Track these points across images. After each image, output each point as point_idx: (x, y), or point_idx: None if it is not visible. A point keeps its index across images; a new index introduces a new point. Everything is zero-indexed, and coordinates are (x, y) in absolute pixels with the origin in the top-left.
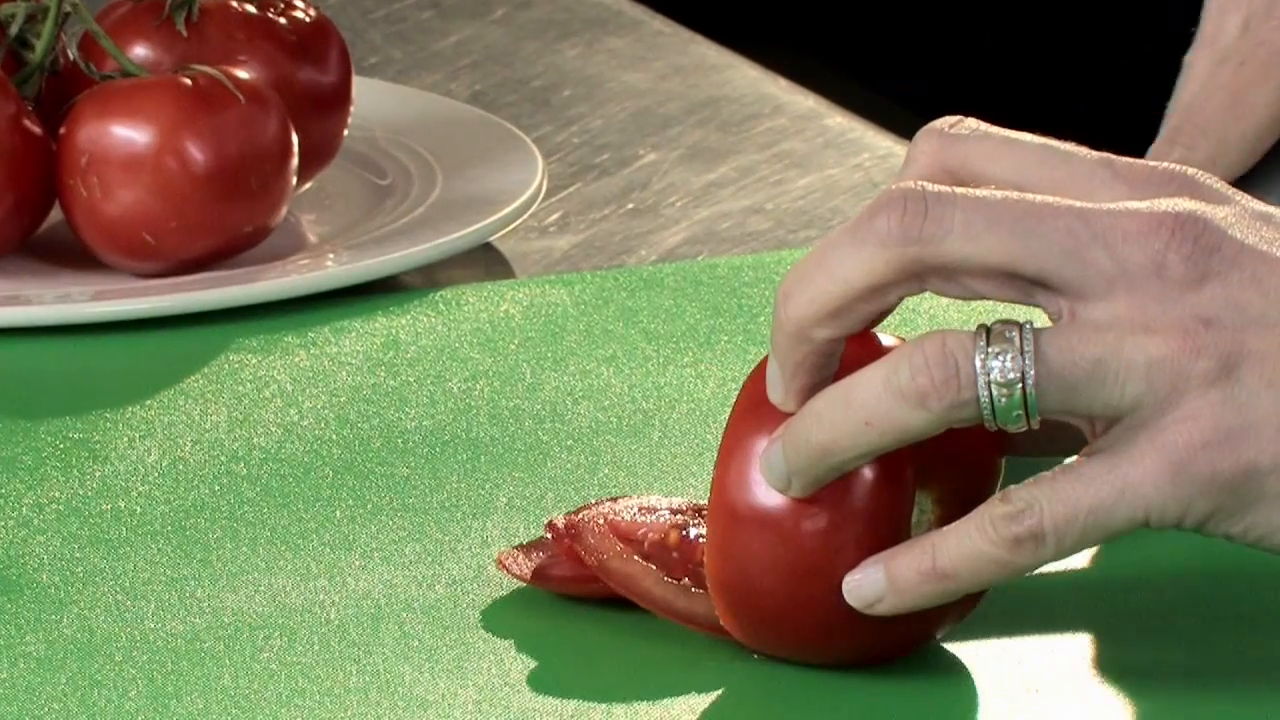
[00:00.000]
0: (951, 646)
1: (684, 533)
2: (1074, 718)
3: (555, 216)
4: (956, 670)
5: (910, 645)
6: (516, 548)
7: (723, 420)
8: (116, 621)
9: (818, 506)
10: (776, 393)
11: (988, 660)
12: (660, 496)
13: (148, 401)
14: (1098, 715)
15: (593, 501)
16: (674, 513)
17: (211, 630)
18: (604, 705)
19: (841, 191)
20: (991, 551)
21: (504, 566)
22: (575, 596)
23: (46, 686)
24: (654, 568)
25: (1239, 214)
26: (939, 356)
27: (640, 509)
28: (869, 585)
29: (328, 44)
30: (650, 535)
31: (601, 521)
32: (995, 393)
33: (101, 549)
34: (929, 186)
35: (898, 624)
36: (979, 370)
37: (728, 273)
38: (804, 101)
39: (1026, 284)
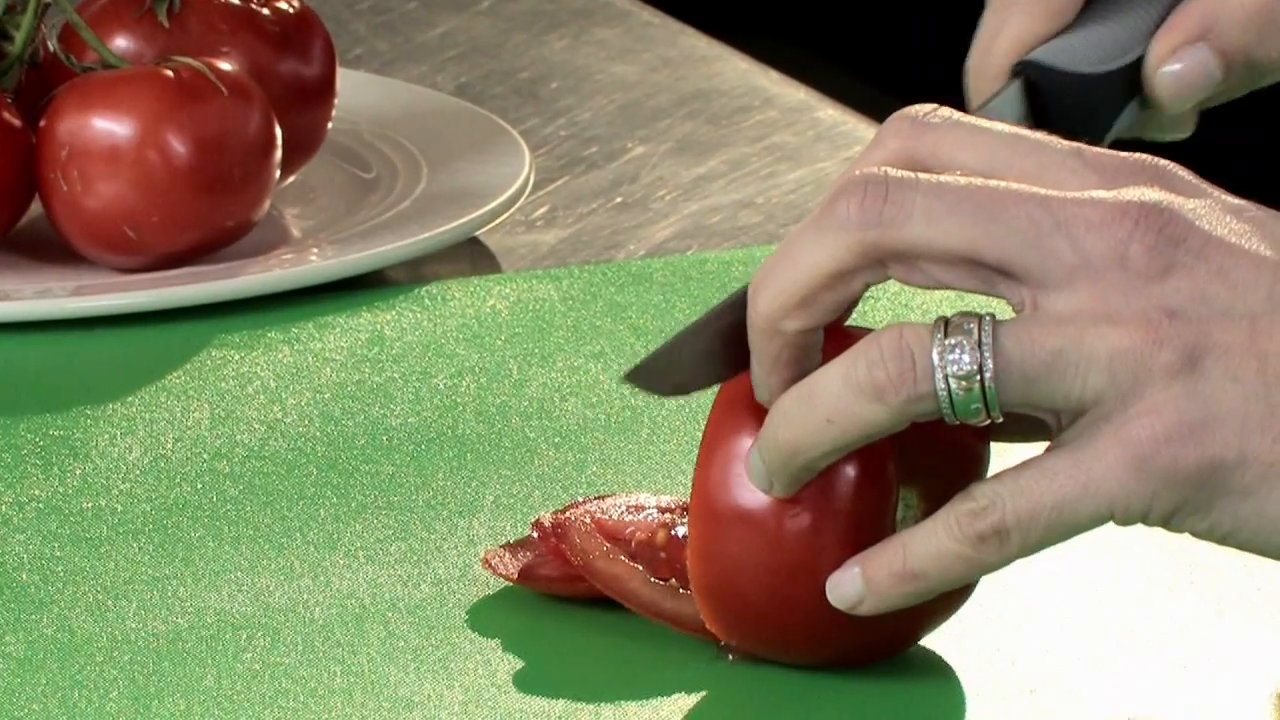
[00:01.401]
0: (943, 647)
1: (672, 532)
2: (1069, 718)
3: (542, 210)
4: (948, 672)
5: (897, 644)
6: (503, 547)
7: None
8: (97, 621)
9: (799, 506)
10: (760, 390)
11: (981, 661)
12: (649, 495)
13: (129, 398)
14: (1093, 716)
15: (580, 500)
16: (662, 511)
17: (194, 630)
18: (591, 706)
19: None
20: (957, 549)
21: (490, 566)
22: (562, 596)
23: (26, 687)
24: (640, 568)
25: (1209, 206)
26: (895, 349)
27: (628, 508)
28: (849, 586)
29: (311, 35)
30: (637, 534)
31: (588, 520)
32: (953, 385)
33: (82, 548)
34: (891, 171)
35: (882, 623)
36: (936, 363)
37: (718, 268)
38: (795, 94)
39: (989, 273)
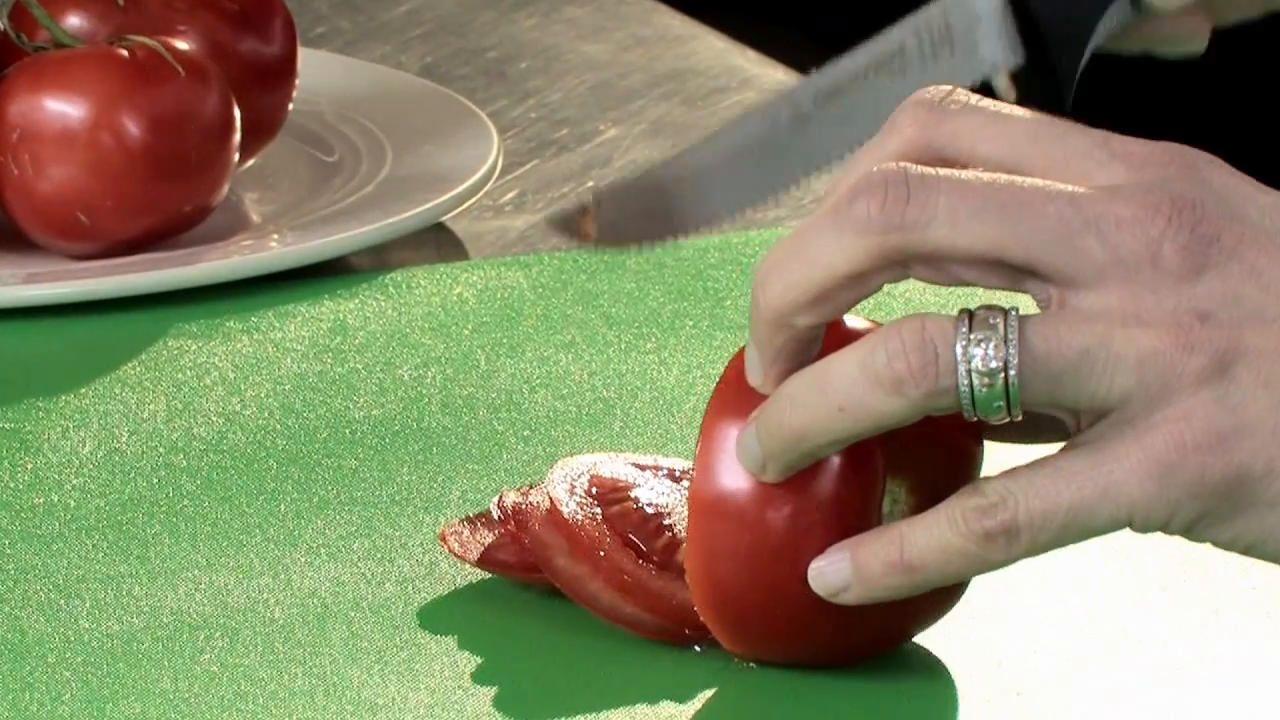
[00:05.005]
0: (931, 647)
1: (667, 526)
2: None
3: (511, 195)
4: (937, 672)
5: (885, 644)
6: (462, 521)
7: (688, 409)
8: (49, 621)
9: (783, 493)
10: (755, 378)
11: (969, 662)
12: (660, 456)
13: (82, 390)
14: (1083, 717)
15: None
16: (675, 480)
17: (149, 630)
18: (565, 706)
19: None
20: (961, 545)
21: (447, 544)
22: (527, 585)
23: None
24: (602, 566)
25: (1242, 201)
26: (917, 342)
27: (636, 465)
28: (834, 572)
29: (271, 13)
30: (644, 507)
31: (548, 504)
32: (976, 381)
33: (33, 545)
34: (911, 169)
35: (870, 619)
36: (959, 357)
37: (692, 254)
38: (773, 74)
39: (1014, 271)
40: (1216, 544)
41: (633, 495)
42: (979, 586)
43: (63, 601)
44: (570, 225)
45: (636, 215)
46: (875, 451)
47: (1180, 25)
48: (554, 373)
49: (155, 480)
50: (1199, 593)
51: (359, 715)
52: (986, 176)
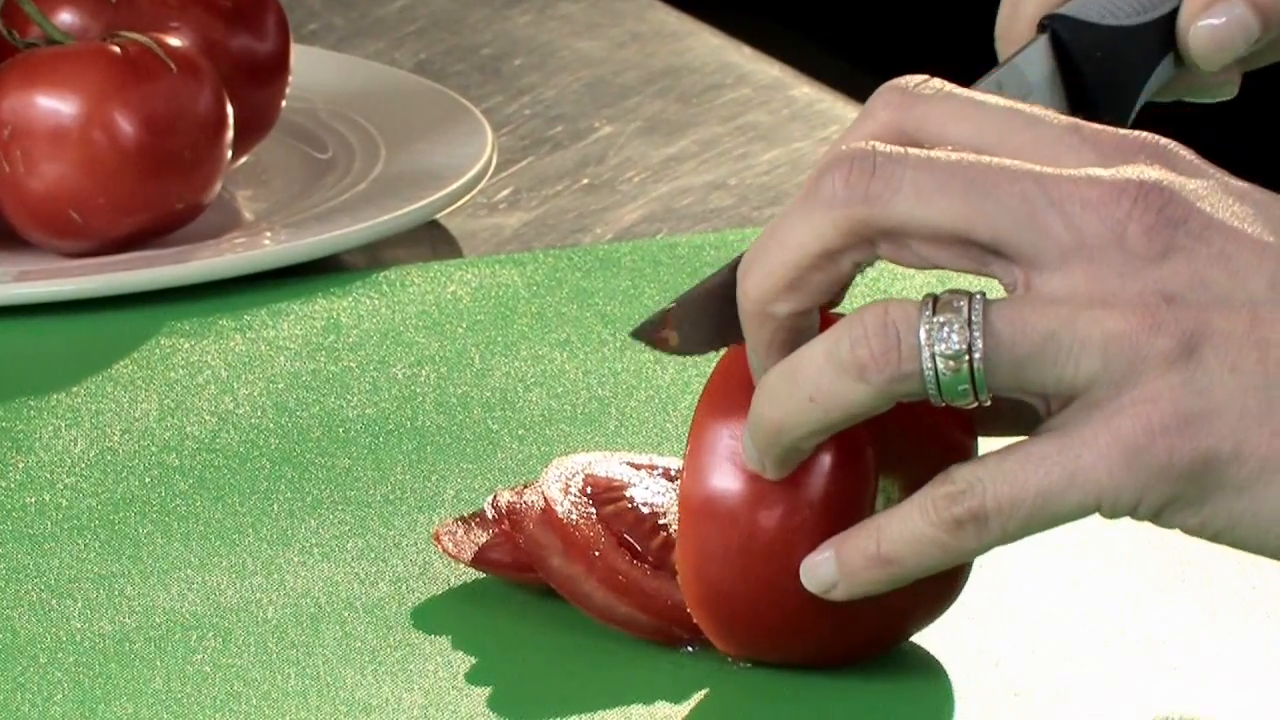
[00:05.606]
0: (929, 647)
1: (662, 525)
2: None
3: (505, 193)
4: (934, 672)
5: (882, 644)
6: (457, 520)
7: (683, 408)
8: (41, 621)
9: (774, 492)
10: (757, 375)
11: (966, 662)
12: (655, 455)
13: (74, 388)
14: (1083, 718)
15: (567, 457)
16: (670, 479)
17: (142, 630)
18: (559, 707)
19: (808, 166)
20: (932, 534)
21: (441, 543)
22: (521, 585)
23: None
24: (596, 566)
25: (1210, 187)
26: (879, 326)
27: (631, 464)
28: (823, 569)
29: (265, 10)
30: (638, 506)
31: (543, 504)
32: (940, 366)
33: (25, 544)
34: (878, 146)
35: (864, 618)
36: (923, 342)
37: (688, 252)
38: (769, 70)
39: (981, 252)
40: (1185, 529)
41: (627, 495)
42: (976, 586)
43: (55, 601)
44: (651, 335)
45: (715, 320)
46: (866, 449)
47: (1217, 76)
48: (549, 371)
49: (148, 479)
50: (1197, 593)
51: (353, 716)
52: (955, 155)
